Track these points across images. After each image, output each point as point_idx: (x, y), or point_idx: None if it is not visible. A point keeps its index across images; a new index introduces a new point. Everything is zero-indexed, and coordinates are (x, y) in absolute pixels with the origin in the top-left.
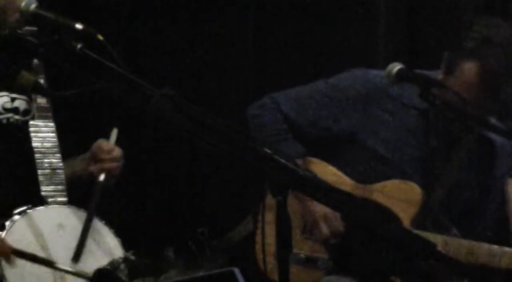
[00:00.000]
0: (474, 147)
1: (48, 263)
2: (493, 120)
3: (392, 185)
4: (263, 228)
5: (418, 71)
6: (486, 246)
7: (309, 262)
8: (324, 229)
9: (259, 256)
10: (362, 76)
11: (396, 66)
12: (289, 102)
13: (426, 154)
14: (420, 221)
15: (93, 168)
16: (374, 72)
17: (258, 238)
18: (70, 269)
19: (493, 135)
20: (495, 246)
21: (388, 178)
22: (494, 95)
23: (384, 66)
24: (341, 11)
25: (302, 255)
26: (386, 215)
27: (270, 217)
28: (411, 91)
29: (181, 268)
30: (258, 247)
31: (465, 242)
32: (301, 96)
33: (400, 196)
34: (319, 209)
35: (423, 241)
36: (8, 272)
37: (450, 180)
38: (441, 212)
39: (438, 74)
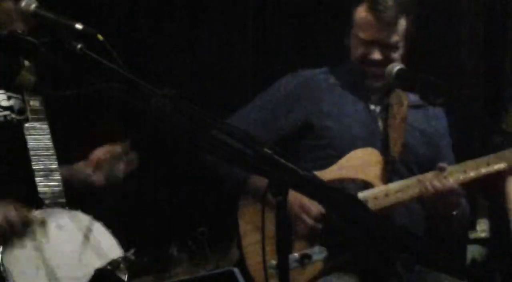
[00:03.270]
0: (412, 108)
1: None
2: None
3: (350, 156)
4: (263, 243)
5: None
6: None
7: (304, 258)
8: (308, 219)
9: (257, 278)
10: (292, 74)
11: (395, 66)
12: (240, 120)
13: (369, 118)
14: (388, 176)
15: (103, 171)
16: (305, 70)
17: (250, 261)
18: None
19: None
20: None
21: (348, 149)
22: (388, 27)
23: None
24: (341, 11)
25: (296, 254)
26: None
27: (253, 239)
28: (340, 70)
29: (186, 266)
30: (252, 268)
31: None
32: (248, 109)
33: (363, 163)
34: (294, 201)
35: (420, 239)
36: (7, 262)
37: (399, 136)
38: (405, 169)
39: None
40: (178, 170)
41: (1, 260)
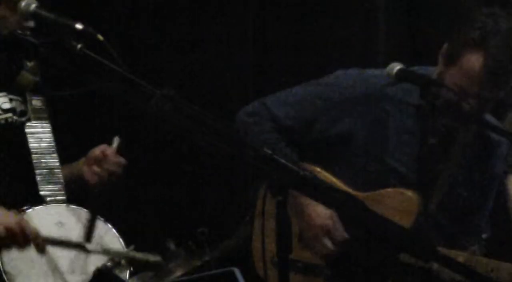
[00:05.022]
0: (471, 145)
1: (78, 246)
2: (489, 118)
3: (388, 194)
4: (263, 235)
5: (415, 68)
6: (505, 265)
7: (308, 269)
8: (329, 244)
9: (258, 264)
10: (358, 77)
11: (396, 66)
12: (282, 107)
13: (423, 151)
14: (418, 227)
15: (96, 169)
16: (369, 72)
17: (255, 245)
18: (98, 249)
19: (490, 133)
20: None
21: (384, 180)
22: (497, 85)
23: (384, 66)
24: (341, 11)
25: (299, 264)
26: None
27: (268, 224)
28: (407, 88)
29: (183, 260)
30: (256, 254)
31: (483, 260)
32: (294, 100)
33: (396, 206)
34: (318, 222)
35: (424, 241)
36: (7, 266)
37: (448, 181)
38: (438, 212)
39: (433, 71)
40: (178, 169)
41: (1, 257)
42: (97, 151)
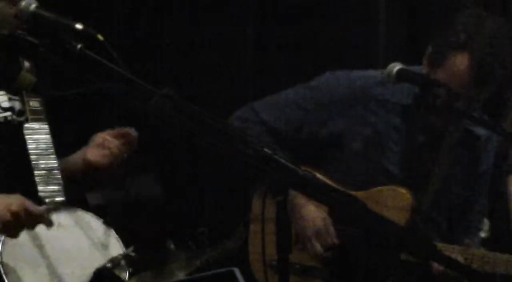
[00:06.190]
0: (460, 141)
1: None
2: (479, 113)
3: (381, 192)
4: (263, 237)
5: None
6: (501, 256)
7: (306, 272)
8: (317, 246)
9: (255, 268)
10: (344, 78)
11: (396, 66)
12: (270, 111)
13: (411, 150)
14: (414, 225)
15: (103, 151)
16: (357, 73)
17: (252, 249)
18: None
19: (478, 129)
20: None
21: (373, 179)
22: (484, 85)
23: (384, 66)
24: (341, 11)
25: (297, 266)
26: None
27: (265, 228)
28: (394, 88)
29: (183, 260)
30: (253, 258)
31: (479, 252)
32: (283, 103)
33: (390, 203)
34: (310, 224)
35: (423, 240)
36: (6, 260)
37: (440, 178)
38: (432, 210)
39: (420, 69)
40: (178, 170)
41: (1, 258)
42: (99, 135)
